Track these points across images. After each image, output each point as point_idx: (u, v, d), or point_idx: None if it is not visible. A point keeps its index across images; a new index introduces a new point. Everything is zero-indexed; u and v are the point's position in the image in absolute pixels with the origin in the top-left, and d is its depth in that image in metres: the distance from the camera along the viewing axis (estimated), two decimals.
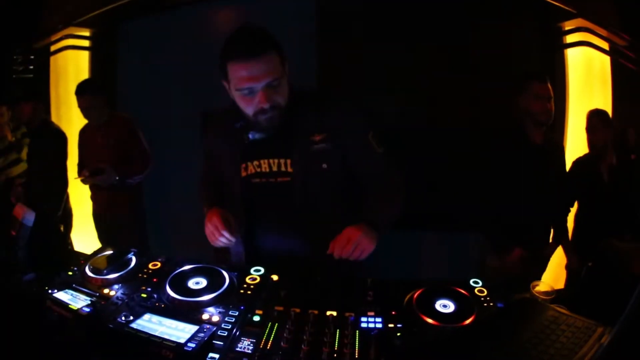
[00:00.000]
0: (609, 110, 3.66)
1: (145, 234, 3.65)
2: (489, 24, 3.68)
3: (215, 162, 2.04)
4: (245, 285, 1.68)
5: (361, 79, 3.65)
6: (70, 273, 1.91)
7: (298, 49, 3.38)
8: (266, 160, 1.83)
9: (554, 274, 3.39)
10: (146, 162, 3.45)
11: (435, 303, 1.62)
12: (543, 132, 2.96)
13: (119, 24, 4.05)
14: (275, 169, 1.83)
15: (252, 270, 1.76)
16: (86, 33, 4.08)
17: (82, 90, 3.36)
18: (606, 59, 3.76)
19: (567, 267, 3.25)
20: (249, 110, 1.68)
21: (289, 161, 1.81)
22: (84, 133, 3.55)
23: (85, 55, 4.15)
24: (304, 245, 1.90)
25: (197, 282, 1.69)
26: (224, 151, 1.93)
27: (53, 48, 4.07)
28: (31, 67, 4.04)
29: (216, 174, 2.07)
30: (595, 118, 3.20)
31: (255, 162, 1.85)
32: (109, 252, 2.02)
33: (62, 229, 3.74)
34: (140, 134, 3.46)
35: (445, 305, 1.62)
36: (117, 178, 3.27)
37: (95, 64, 4.16)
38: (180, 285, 1.67)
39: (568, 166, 3.30)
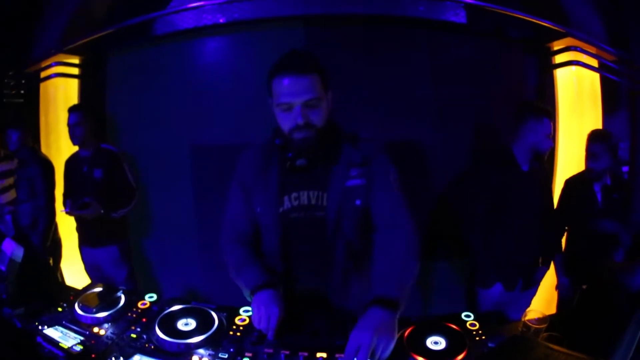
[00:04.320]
0: (599, 127, 3.70)
1: (131, 267, 3.65)
2: (478, 47, 3.70)
3: (247, 201, 1.90)
4: (234, 327, 1.68)
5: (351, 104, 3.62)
6: (60, 309, 1.91)
7: None
8: (306, 192, 1.81)
9: (546, 295, 3.38)
10: (131, 196, 3.48)
11: (426, 340, 1.62)
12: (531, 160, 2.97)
13: (108, 53, 4.04)
14: (313, 202, 1.80)
15: (241, 311, 1.75)
16: (75, 60, 4.07)
17: (75, 107, 3.45)
18: (596, 77, 3.78)
19: (558, 288, 3.24)
20: (286, 126, 1.72)
21: (325, 195, 1.79)
22: (70, 163, 3.56)
23: (74, 84, 4.13)
24: (333, 285, 1.85)
25: (186, 323, 1.69)
26: (260, 184, 1.86)
27: (43, 75, 4.05)
28: (22, 92, 4.04)
29: (246, 222, 1.92)
30: (596, 145, 3.14)
31: (294, 194, 1.81)
32: (98, 289, 2.00)
33: (51, 261, 3.72)
34: (126, 167, 3.49)
35: (436, 342, 1.61)
36: (102, 211, 3.29)
37: (84, 93, 4.14)
38: (169, 326, 1.66)
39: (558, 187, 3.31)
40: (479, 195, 2.93)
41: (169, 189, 3.94)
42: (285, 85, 1.67)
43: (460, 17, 3.55)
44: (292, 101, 1.67)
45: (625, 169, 3.79)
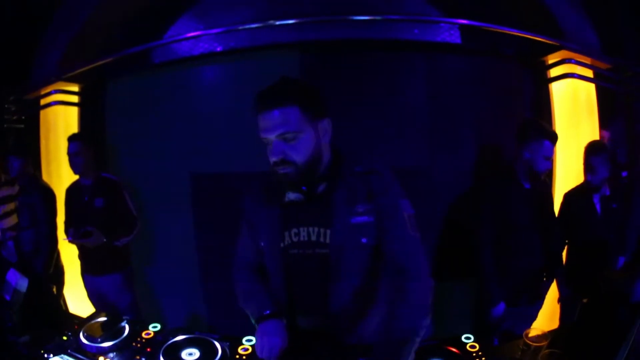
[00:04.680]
0: (596, 138, 3.71)
1: (134, 295, 3.65)
2: (474, 66, 3.73)
3: (253, 235, 1.88)
4: (237, 356, 1.70)
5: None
6: (65, 337, 1.93)
7: None
8: (306, 229, 1.72)
9: (549, 309, 3.39)
10: (132, 225, 3.48)
11: None
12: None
13: (107, 81, 4.08)
14: (314, 238, 1.71)
15: (244, 340, 1.77)
16: (75, 88, 4.10)
17: (75, 136, 3.46)
18: (591, 87, 3.79)
19: (560, 300, 3.25)
20: (270, 161, 1.64)
21: (328, 231, 1.69)
22: (70, 192, 3.57)
23: (74, 112, 4.15)
24: (336, 322, 1.74)
25: (190, 353, 1.71)
26: (263, 218, 1.80)
27: (42, 102, 4.09)
28: (23, 117, 4.06)
29: (255, 253, 1.89)
30: (594, 157, 3.16)
31: (294, 230, 1.73)
32: (103, 318, 2.03)
33: (54, 289, 3.73)
34: (126, 196, 3.50)
35: None
36: (105, 240, 3.30)
37: (84, 121, 4.17)
38: (173, 356, 1.69)
39: (557, 202, 3.32)
40: (482, 214, 2.95)
41: (170, 216, 3.95)
42: (261, 119, 1.62)
43: (455, 37, 3.58)
44: (267, 136, 1.61)
45: (624, 174, 3.80)
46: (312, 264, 1.71)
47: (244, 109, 3.33)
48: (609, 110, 3.85)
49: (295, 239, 1.73)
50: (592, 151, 3.21)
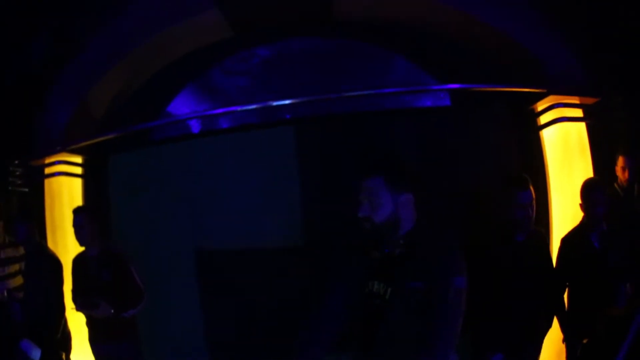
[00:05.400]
0: (591, 174, 3.76)
1: None
2: (464, 123, 3.81)
3: (345, 280, 2.08)
4: None
5: None
6: None
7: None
8: (379, 283, 1.91)
9: (555, 348, 3.39)
10: (139, 297, 3.48)
11: None
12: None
13: (110, 154, 4.17)
14: (382, 292, 1.89)
15: None
16: (79, 160, 4.18)
17: (80, 209, 3.52)
18: (582, 127, 3.85)
19: (565, 341, 3.25)
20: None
21: (389, 289, 1.87)
22: (77, 263, 3.60)
23: (78, 182, 4.22)
24: None
25: None
26: (356, 267, 2.04)
27: (47, 171, 4.16)
28: (27, 181, 4.10)
29: (339, 297, 2.06)
30: (591, 194, 3.18)
31: (371, 282, 1.93)
32: None
33: (62, 355, 3.74)
34: (132, 269, 3.51)
35: None
36: (112, 311, 3.31)
37: (88, 192, 4.24)
38: None
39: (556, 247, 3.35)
40: (477, 269, 2.97)
41: (175, 288, 3.99)
42: None
43: (445, 100, 3.67)
44: (359, 198, 1.90)
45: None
46: (375, 313, 1.87)
47: (246, 184, 3.38)
48: (602, 145, 3.90)
49: (371, 289, 1.93)
50: (588, 188, 3.24)
